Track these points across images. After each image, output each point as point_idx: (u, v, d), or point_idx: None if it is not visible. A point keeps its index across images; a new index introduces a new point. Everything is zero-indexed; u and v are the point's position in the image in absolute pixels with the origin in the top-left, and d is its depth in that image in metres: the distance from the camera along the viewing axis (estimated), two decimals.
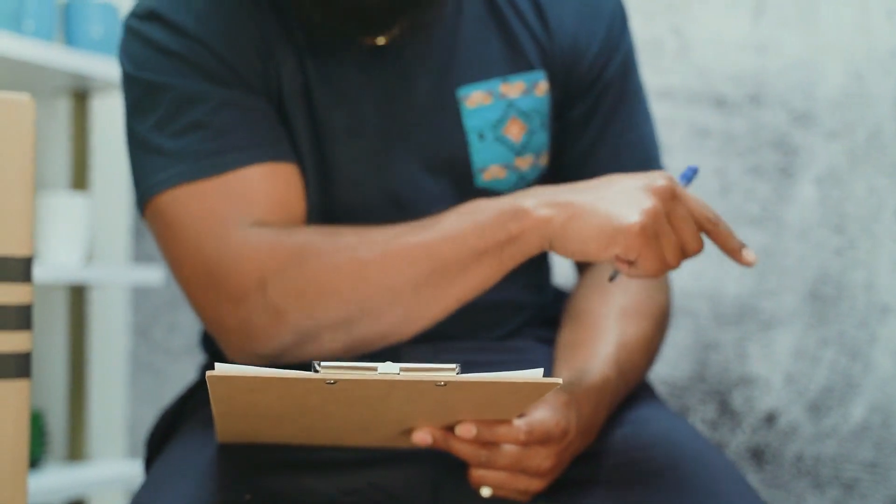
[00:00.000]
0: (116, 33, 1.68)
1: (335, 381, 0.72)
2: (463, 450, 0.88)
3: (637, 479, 0.93)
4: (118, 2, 1.75)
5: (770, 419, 1.54)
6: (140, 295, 2.01)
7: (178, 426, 1.08)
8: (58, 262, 1.64)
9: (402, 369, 0.73)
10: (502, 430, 0.86)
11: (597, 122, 1.09)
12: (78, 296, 1.84)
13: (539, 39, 1.08)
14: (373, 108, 1.05)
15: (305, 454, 0.97)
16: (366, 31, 1.02)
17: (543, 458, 0.88)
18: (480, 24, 1.07)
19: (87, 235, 1.68)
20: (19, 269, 0.87)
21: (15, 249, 0.87)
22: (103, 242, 1.96)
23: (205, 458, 0.96)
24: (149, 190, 1.00)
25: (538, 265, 1.15)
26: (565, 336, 1.05)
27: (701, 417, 1.58)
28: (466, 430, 0.85)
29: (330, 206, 1.06)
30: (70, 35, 1.65)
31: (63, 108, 1.86)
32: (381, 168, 1.06)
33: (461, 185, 1.06)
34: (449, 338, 1.09)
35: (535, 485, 0.90)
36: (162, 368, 1.99)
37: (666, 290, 1.09)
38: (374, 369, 0.73)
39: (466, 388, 0.75)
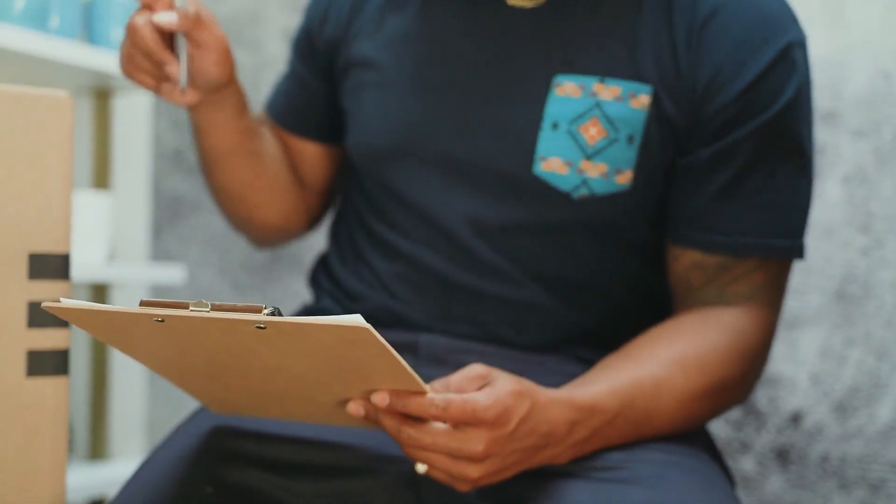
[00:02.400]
0: None
1: (163, 319, 0.76)
2: (388, 424, 0.86)
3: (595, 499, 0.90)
4: None
5: (796, 419, 1.54)
6: (159, 294, 2.00)
7: None
8: (80, 261, 1.64)
9: (213, 307, 0.75)
10: (415, 402, 0.84)
11: (730, 170, 1.01)
12: (100, 294, 1.84)
13: (678, 59, 1.00)
14: (462, 65, 1.06)
15: (283, 454, 0.98)
16: None
17: (475, 442, 0.85)
18: (614, 17, 1.02)
19: (109, 234, 1.68)
20: (58, 266, 0.87)
21: (53, 246, 0.87)
22: (123, 241, 1.96)
23: (180, 447, 0.98)
24: None
25: (614, 294, 1.09)
26: (608, 357, 1.02)
27: (725, 418, 1.57)
28: (381, 398, 0.84)
29: (376, 148, 1.10)
30: (93, 33, 1.65)
31: (85, 107, 1.86)
32: (445, 125, 1.06)
33: (519, 166, 1.03)
34: (470, 337, 1.08)
35: (470, 471, 0.86)
36: None
37: (742, 369, 1.02)
38: (186, 307, 0.76)
39: (286, 331, 0.76)
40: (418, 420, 0.86)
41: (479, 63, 1.05)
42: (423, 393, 0.85)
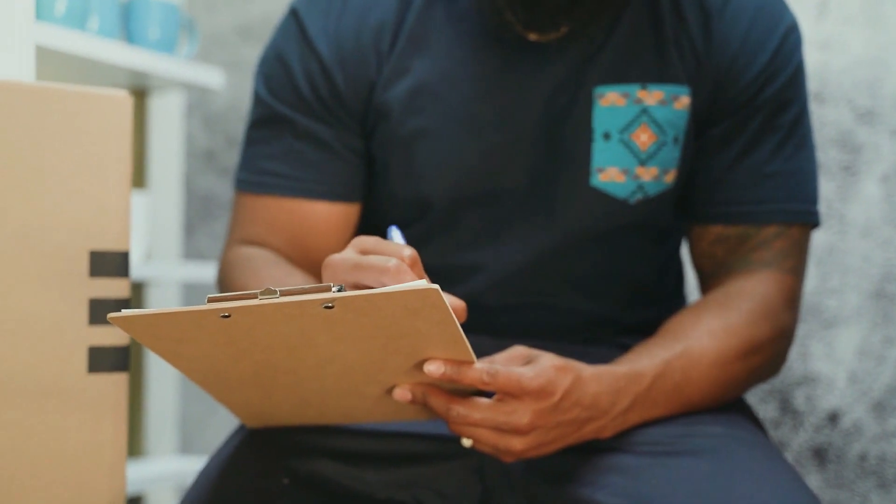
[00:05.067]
0: (176, 32, 1.69)
1: (229, 315, 0.76)
2: (436, 403, 0.88)
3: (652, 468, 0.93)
4: (178, 1, 1.75)
5: (833, 418, 1.54)
6: (192, 292, 2.01)
7: None
8: None
9: (281, 293, 0.75)
10: (467, 371, 0.85)
11: (739, 143, 1.07)
12: (137, 293, 1.85)
13: (697, 53, 1.06)
14: (507, 100, 1.07)
15: (346, 444, 0.99)
16: (538, 28, 1.04)
17: (521, 414, 0.87)
18: (636, 28, 1.06)
19: (146, 233, 1.69)
20: (118, 264, 0.88)
21: (113, 244, 0.88)
22: (158, 240, 1.97)
23: (247, 443, 0.99)
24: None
25: (645, 284, 1.14)
26: (647, 340, 1.04)
27: (762, 416, 1.57)
28: (435, 367, 0.84)
29: (434, 197, 1.09)
30: (131, 33, 1.66)
31: None
32: (502, 158, 1.07)
33: (576, 181, 1.06)
34: (521, 336, 1.09)
35: (516, 443, 0.89)
36: None
37: (770, 329, 1.05)
38: (255, 296, 0.76)
39: (354, 306, 0.76)
40: (465, 398, 0.88)
41: (518, 94, 1.06)
42: (471, 363, 0.86)
